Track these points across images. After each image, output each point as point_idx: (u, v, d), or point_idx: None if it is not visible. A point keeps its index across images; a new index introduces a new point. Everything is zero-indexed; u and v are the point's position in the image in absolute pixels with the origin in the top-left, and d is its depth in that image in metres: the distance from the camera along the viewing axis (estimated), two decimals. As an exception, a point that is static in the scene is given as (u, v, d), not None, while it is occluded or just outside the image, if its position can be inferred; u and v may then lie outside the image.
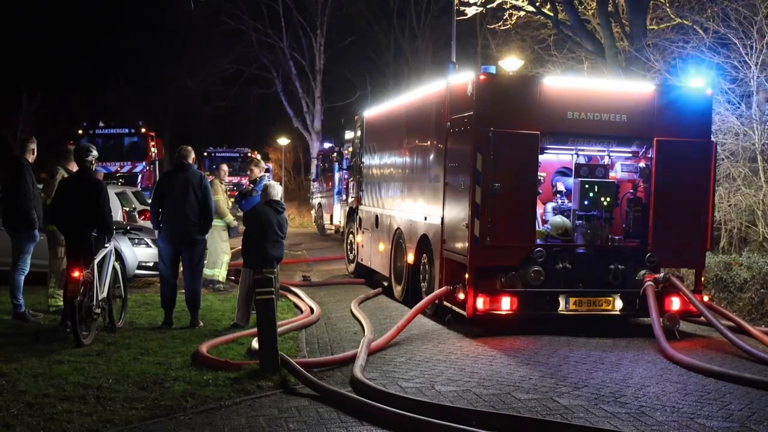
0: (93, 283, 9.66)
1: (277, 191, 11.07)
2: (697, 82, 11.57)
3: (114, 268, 10.44)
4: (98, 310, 9.74)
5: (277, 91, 42.01)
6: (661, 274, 10.85)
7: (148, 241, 14.26)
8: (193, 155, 11.35)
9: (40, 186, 11.71)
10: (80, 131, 29.84)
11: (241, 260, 11.45)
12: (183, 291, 11.11)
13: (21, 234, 10.89)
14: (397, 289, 13.72)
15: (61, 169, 11.42)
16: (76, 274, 9.45)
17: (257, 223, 10.72)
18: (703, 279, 11.73)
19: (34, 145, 11.24)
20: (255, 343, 8.95)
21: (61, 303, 11.17)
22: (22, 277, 10.92)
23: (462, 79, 11.19)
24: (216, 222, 12.81)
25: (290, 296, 13.58)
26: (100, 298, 9.80)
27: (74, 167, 11.34)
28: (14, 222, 10.92)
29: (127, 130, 31.23)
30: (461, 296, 10.73)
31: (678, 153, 11.04)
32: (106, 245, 10.16)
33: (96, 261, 9.80)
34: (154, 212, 11.15)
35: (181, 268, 11.13)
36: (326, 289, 15.32)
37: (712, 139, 11.84)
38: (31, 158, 11.12)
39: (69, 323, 9.62)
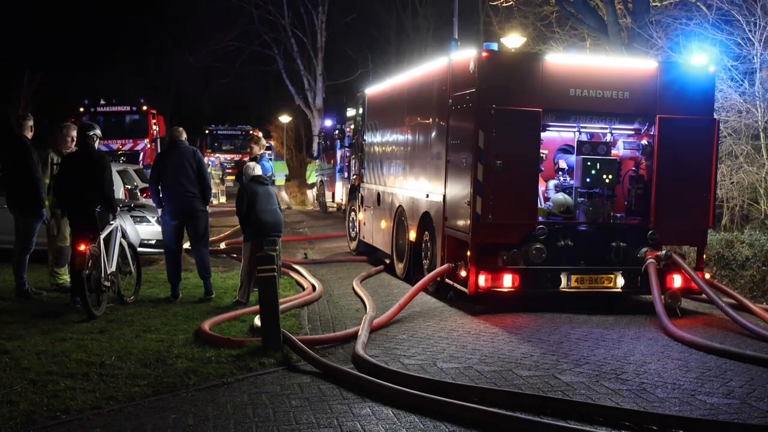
0: (100, 257, 9.77)
1: (256, 169, 11.25)
2: (700, 59, 11.52)
3: (121, 244, 10.62)
4: (107, 283, 9.92)
5: (279, 69, 41.85)
6: (663, 252, 10.85)
7: (150, 218, 14.29)
8: (184, 135, 11.52)
9: None
10: (81, 109, 29.75)
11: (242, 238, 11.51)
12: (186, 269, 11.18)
13: (29, 213, 10.90)
14: (399, 267, 13.73)
15: (51, 152, 11.43)
16: (83, 248, 9.58)
17: (245, 198, 10.90)
18: (704, 256, 11.73)
19: (31, 121, 11.25)
20: (257, 321, 8.99)
21: (61, 281, 11.28)
22: (27, 256, 10.97)
23: (464, 56, 11.14)
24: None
25: (292, 274, 13.61)
26: (108, 272, 9.97)
27: (66, 147, 11.36)
28: (23, 202, 10.91)
29: (128, 108, 31.11)
30: (463, 274, 10.75)
31: (680, 130, 11.01)
32: (111, 222, 10.27)
33: (102, 236, 9.92)
34: (154, 191, 11.28)
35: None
36: (328, 267, 15.34)
37: (715, 116, 11.81)
38: (29, 135, 11.12)
39: (78, 299, 9.76)
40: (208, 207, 11.47)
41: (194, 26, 44.57)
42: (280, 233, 11.10)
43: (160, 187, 11.17)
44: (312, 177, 34.04)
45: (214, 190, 30.35)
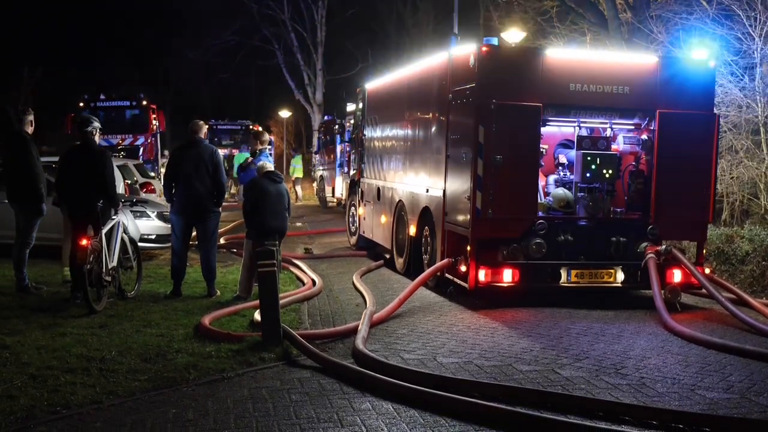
0: (101, 251, 9.80)
1: (269, 165, 11.13)
2: (701, 54, 11.51)
3: (123, 239, 10.65)
4: (108, 278, 9.95)
5: (279, 64, 41.83)
6: (663, 247, 10.86)
7: (150, 213, 14.30)
8: (204, 129, 11.36)
9: (45, 160, 11.74)
10: (81, 104, 29.72)
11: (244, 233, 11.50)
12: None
13: (29, 209, 10.90)
14: (399, 262, 13.74)
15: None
16: (84, 242, 9.61)
17: (254, 196, 10.76)
18: (704, 251, 11.73)
19: (31, 116, 11.23)
20: (257, 316, 8.99)
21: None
22: (27, 251, 10.97)
23: (464, 51, 11.13)
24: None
25: (292, 269, 13.61)
26: (110, 266, 10.01)
27: None
28: (22, 197, 10.92)
29: (128, 103, 31.05)
30: (463, 268, 10.75)
31: (680, 125, 11.01)
32: (113, 217, 10.29)
33: (104, 231, 9.94)
34: (167, 188, 11.20)
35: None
36: (328, 262, 15.35)
37: (715, 111, 11.81)
38: (29, 130, 11.12)
39: (79, 294, 9.79)
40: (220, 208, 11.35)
41: (194, 21, 44.59)
42: (283, 236, 11.07)
43: (173, 185, 11.00)
44: (296, 172, 33.85)
45: (233, 190, 30.33)
